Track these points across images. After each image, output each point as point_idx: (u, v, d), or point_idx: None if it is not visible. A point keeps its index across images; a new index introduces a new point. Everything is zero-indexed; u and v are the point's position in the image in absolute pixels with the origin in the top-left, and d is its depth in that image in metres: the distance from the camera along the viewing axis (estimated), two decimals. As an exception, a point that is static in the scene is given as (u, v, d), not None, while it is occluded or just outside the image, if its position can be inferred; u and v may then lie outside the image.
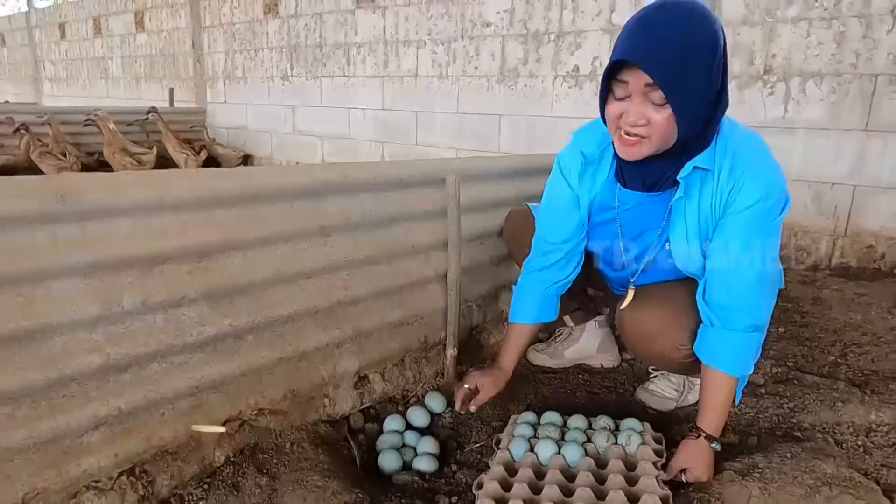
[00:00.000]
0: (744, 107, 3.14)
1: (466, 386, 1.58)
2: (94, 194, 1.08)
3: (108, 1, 8.31)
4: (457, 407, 1.57)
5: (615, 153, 1.32)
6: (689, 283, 1.39)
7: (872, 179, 2.81)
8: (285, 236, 1.43)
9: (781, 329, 2.19)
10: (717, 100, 1.19)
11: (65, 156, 5.23)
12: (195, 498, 1.23)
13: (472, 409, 1.56)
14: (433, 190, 1.74)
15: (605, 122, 1.26)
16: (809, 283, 2.69)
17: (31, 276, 1.02)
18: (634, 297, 1.49)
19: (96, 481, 1.14)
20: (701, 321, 1.36)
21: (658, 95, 1.12)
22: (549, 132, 3.95)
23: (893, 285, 2.60)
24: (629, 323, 1.48)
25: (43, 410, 1.06)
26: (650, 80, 1.11)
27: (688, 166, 1.24)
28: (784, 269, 2.90)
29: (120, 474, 1.18)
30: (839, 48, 2.81)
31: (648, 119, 1.15)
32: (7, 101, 9.26)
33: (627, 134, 1.19)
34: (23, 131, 5.15)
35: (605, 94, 1.20)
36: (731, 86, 3.16)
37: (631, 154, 1.22)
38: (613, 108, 1.20)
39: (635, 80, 1.13)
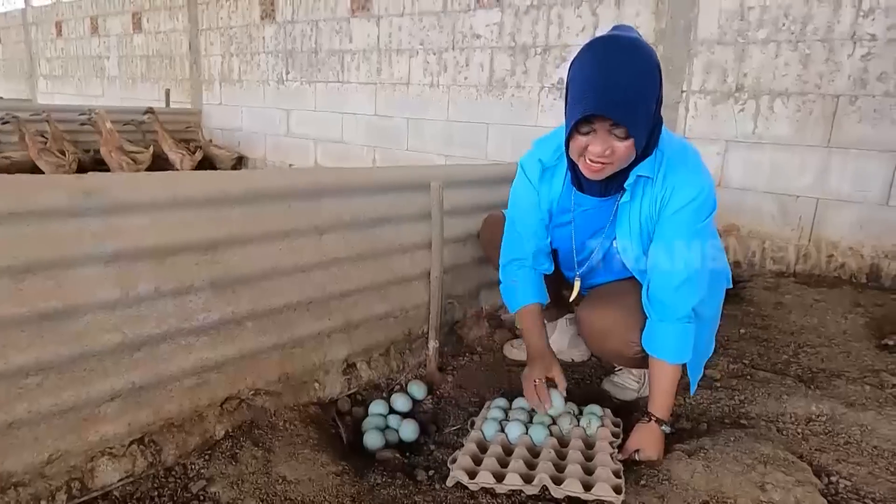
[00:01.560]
0: (716, 121, 3.31)
1: (543, 380, 1.58)
2: (117, 192, 1.22)
3: (106, 1, 8.40)
4: (545, 407, 1.56)
5: (573, 165, 1.46)
6: (638, 285, 1.54)
7: (833, 193, 2.99)
8: (283, 233, 1.56)
9: (742, 330, 2.35)
10: (658, 115, 1.36)
11: (63, 153, 5.24)
12: (197, 467, 1.36)
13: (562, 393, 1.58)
14: (419, 194, 1.88)
15: (567, 149, 1.39)
16: (773, 289, 2.85)
17: (61, 263, 1.15)
18: (589, 297, 1.65)
19: (111, 447, 1.28)
20: None
21: (621, 131, 1.28)
22: (534, 141, 4.09)
23: (850, 292, 2.77)
24: (586, 322, 1.63)
25: (67, 381, 1.19)
26: (615, 122, 1.27)
27: (632, 175, 1.40)
28: (750, 276, 3.10)
29: (132, 442, 1.31)
30: (805, 69, 2.99)
31: (613, 149, 1.31)
32: (1, 98, 9.32)
33: (593, 161, 1.33)
34: (21, 127, 5.17)
35: (571, 131, 1.33)
36: (706, 101, 3.34)
37: (597, 176, 1.38)
38: (579, 142, 1.34)
39: (601, 122, 1.28)
